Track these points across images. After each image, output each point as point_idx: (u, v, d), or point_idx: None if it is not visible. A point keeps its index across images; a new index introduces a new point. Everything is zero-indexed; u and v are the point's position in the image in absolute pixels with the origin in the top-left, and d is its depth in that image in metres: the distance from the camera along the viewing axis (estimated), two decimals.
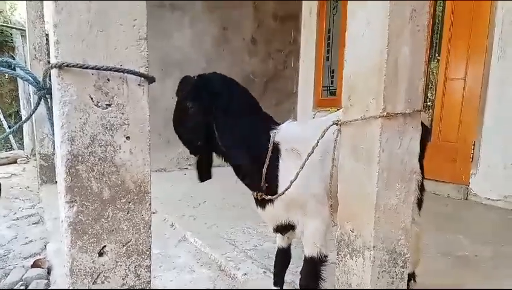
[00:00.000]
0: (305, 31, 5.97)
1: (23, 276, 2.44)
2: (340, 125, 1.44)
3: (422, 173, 2.03)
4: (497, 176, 3.82)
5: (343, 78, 1.39)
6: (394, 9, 1.14)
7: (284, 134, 1.72)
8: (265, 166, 1.66)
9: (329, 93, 5.91)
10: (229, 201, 4.01)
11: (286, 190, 1.57)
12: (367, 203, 1.37)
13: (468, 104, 3.88)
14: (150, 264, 1.08)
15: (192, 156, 1.83)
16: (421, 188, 2.02)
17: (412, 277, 2.13)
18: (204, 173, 1.82)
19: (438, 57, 4.25)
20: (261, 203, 1.78)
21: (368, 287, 1.42)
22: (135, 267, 1.06)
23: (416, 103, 1.26)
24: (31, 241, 3.12)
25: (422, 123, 2.02)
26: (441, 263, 2.37)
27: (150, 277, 1.09)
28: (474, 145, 3.95)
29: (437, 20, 4.26)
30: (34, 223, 3.55)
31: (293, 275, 2.15)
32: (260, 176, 1.69)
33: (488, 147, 3.90)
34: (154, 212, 3.74)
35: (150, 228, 1.05)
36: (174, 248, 2.89)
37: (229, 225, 3.24)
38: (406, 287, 1.51)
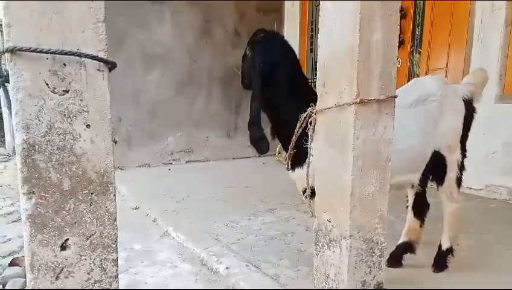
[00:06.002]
0: (288, 23, 5.90)
1: (0, 275, 2.38)
2: (315, 113, 1.42)
3: (464, 152, 2.11)
4: None
5: (318, 65, 1.37)
6: None
7: None
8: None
9: (313, 86, 5.84)
10: (213, 195, 3.98)
11: None
12: (343, 191, 1.35)
13: None
14: (117, 258, 1.04)
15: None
16: (461, 168, 2.12)
17: (450, 251, 2.20)
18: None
19: (419, 49, 4.25)
20: None
21: (345, 277, 1.41)
22: (101, 261, 1.02)
23: (390, 88, 1.24)
24: (9, 239, 3.03)
25: (467, 100, 2.10)
26: None
27: (117, 270, 1.05)
28: None
29: (418, 12, 4.26)
30: (13, 221, 3.45)
31: None
32: None
33: None
34: (136, 208, 3.68)
35: (115, 220, 1.01)
36: (156, 244, 2.84)
37: (213, 219, 3.20)
38: (383, 277, 1.50)
